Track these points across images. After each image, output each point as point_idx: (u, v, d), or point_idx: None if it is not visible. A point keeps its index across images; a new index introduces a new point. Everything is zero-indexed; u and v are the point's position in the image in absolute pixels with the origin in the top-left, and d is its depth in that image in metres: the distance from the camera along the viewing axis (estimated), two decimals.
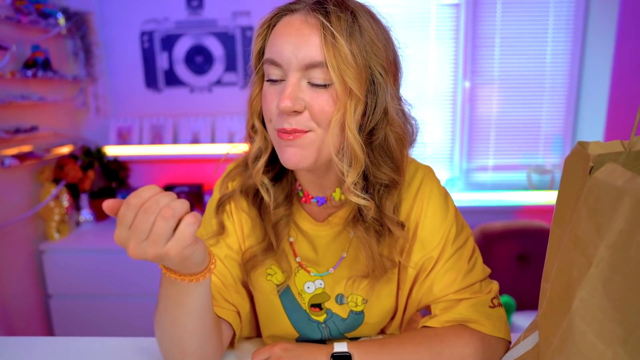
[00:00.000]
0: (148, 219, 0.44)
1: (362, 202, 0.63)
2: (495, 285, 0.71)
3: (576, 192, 0.43)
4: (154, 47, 2.19)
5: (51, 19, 1.92)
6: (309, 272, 0.74)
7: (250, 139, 0.71)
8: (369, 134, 0.63)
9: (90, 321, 1.96)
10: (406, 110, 0.68)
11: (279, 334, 0.77)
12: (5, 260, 1.76)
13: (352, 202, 0.67)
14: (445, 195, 0.74)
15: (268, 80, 0.64)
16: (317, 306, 0.74)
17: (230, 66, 2.20)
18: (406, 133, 0.66)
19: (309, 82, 0.61)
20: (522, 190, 2.36)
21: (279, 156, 0.65)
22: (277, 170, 0.73)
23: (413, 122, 0.70)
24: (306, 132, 0.61)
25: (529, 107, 2.34)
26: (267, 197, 0.70)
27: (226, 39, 2.17)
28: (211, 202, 0.78)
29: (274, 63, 0.62)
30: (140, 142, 2.22)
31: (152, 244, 0.45)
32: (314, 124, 0.61)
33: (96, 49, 2.17)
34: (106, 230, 2.11)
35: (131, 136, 2.23)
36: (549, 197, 2.29)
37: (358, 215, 0.68)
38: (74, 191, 2.09)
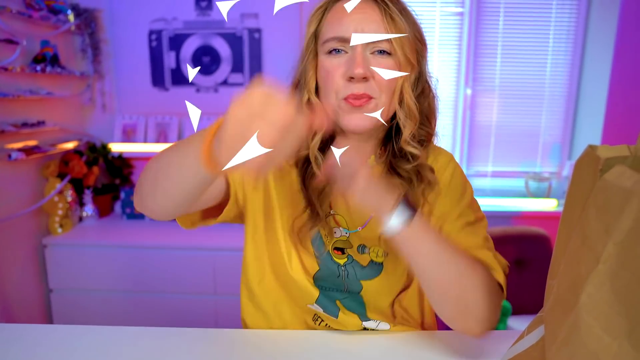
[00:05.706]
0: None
1: (415, 151, 0.73)
2: (504, 261, 0.75)
3: (585, 193, 0.46)
4: (161, 46, 2.21)
5: (61, 15, 1.94)
6: (339, 225, 0.78)
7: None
8: (417, 99, 0.72)
9: (91, 316, 1.97)
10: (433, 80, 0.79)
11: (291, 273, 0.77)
12: (8, 253, 1.77)
13: (380, 166, 0.76)
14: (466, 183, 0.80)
15: (329, 53, 0.70)
16: (340, 250, 0.78)
17: (237, 67, 2.22)
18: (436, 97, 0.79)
19: (372, 52, 0.68)
20: (520, 197, 2.39)
21: (344, 123, 0.70)
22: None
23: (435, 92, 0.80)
24: (371, 98, 0.69)
25: (528, 115, 2.37)
26: (319, 171, 0.74)
27: (234, 40, 2.19)
28: None
29: (341, 40, 0.68)
30: (145, 140, 2.24)
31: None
32: (378, 91, 0.69)
33: (104, 46, 2.19)
34: (108, 226, 2.12)
35: (136, 134, 2.24)
36: (546, 204, 2.32)
37: (389, 171, 0.75)
38: (78, 186, 2.10)
